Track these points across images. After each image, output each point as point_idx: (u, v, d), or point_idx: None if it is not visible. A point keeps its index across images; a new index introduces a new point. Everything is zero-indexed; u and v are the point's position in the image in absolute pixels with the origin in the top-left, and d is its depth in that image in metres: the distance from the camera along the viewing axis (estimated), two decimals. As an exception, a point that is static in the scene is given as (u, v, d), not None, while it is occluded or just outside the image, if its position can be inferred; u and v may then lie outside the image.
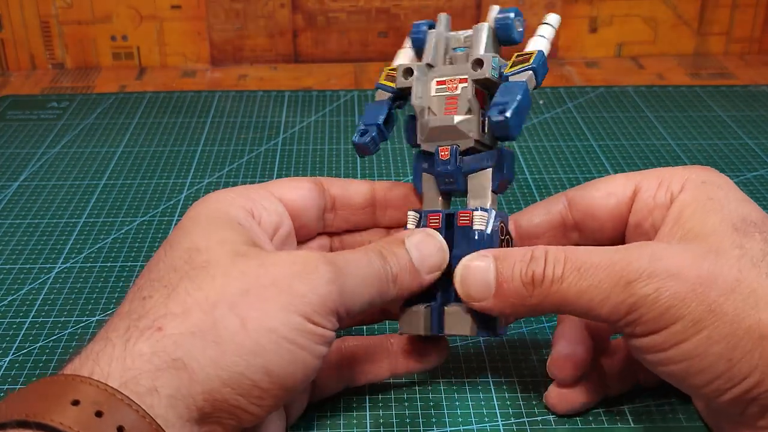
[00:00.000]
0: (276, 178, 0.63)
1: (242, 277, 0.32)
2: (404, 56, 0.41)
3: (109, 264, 0.52)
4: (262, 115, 0.75)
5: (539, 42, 0.38)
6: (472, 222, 0.37)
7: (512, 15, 0.38)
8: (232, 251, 0.33)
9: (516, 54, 0.38)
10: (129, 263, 0.52)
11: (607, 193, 0.38)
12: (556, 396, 0.39)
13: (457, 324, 0.37)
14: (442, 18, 0.40)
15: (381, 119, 0.39)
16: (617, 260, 0.32)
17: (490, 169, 0.38)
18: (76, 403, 0.28)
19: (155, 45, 0.86)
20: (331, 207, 0.41)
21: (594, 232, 0.39)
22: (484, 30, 0.38)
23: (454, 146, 0.38)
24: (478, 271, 0.35)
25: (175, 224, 0.56)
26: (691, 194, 0.36)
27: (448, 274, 0.37)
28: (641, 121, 0.72)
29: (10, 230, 0.56)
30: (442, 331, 0.38)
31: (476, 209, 0.37)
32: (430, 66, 0.39)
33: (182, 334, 0.30)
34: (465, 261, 0.35)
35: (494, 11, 0.39)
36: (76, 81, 0.84)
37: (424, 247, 0.37)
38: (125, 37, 0.85)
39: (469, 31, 0.39)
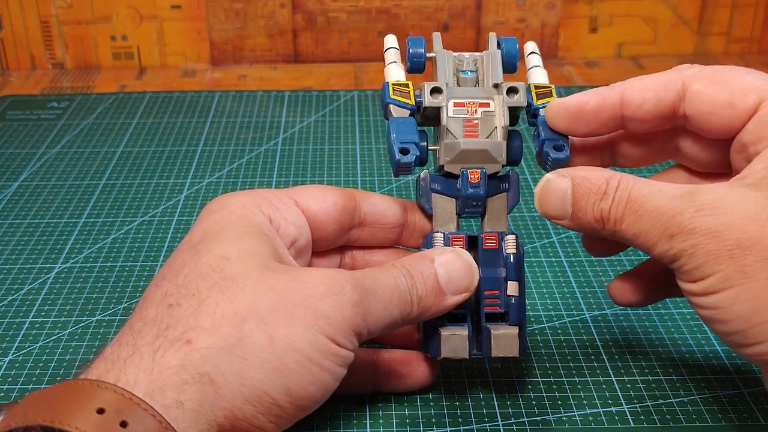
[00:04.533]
0: (276, 178, 0.63)
1: (271, 293, 0.32)
2: (398, 72, 0.40)
3: (109, 264, 0.52)
4: (262, 115, 0.75)
5: (541, 73, 0.40)
6: (500, 245, 0.38)
7: (517, 47, 0.39)
8: (261, 264, 0.33)
9: (533, 85, 0.39)
10: (129, 263, 0.52)
11: (729, 102, 0.35)
12: (617, 287, 0.39)
13: (506, 346, 0.38)
14: (438, 37, 0.40)
15: (417, 137, 0.37)
16: (668, 209, 0.32)
17: (506, 192, 0.39)
18: (101, 411, 0.28)
19: (155, 45, 0.86)
20: (359, 223, 0.40)
21: (702, 131, 0.36)
22: (498, 57, 0.38)
23: (483, 170, 0.38)
24: (556, 191, 0.35)
25: (176, 223, 0.57)
26: None
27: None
28: (641, 121, 0.72)
29: (10, 230, 0.56)
30: (487, 354, 0.38)
31: (506, 233, 0.39)
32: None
33: (210, 348, 0.30)
34: (547, 177, 0.35)
35: (494, 40, 0.39)
36: (76, 81, 0.84)
37: (452, 268, 0.36)
38: (125, 37, 0.85)
39: (475, 54, 0.39)
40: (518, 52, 0.39)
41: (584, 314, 0.48)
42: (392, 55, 0.40)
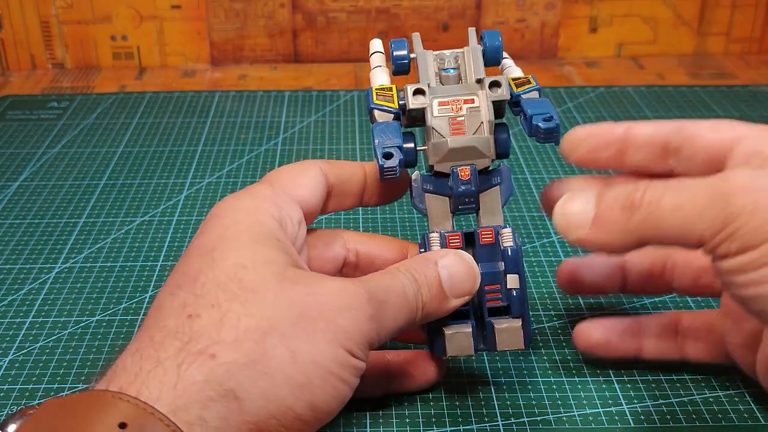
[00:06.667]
0: (276, 178, 0.63)
1: (291, 307, 0.32)
2: (383, 76, 0.40)
3: (109, 264, 0.52)
4: (262, 115, 0.75)
5: (516, 69, 0.41)
6: (497, 239, 0.38)
7: (500, 38, 0.39)
8: (278, 274, 0.33)
9: (512, 78, 0.39)
10: (129, 263, 0.52)
11: (713, 127, 0.35)
12: (582, 330, 0.41)
13: (510, 340, 0.38)
14: (418, 38, 0.40)
15: (401, 140, 0.38)
16: (716, 178, 0.31)
17: (498, 186, 0.39)
18: (122, 425, 0.28)
19: (155, 45, 0.86)
20: (328, 194, 0.40)
21: (689, 160, 0.36)
22: (478, 52, 0.39)
23: (473, 166, 0.38)
24: (577, 206, 0.34)
25: (176, 223, 0.57)
26: None
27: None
28: (641, 121, 0.73)
29: (10, 230, 0.56)
30: (493, 347, 0.38)
31: (502, 227, 0.39)
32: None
33: (235, 364, 0.30)
34: (564, 201, 0.35)
35: (474, 35, 0.40)
36: (76, 81, 0.84)
37: (455, 272, 0.36)
38: (125, 37, 0.85)
39: (456, 51, 0.40)
40: (501, 44, 0.39)
41: (584, 314, 0.48)
42: (377, 60, 0.41)
